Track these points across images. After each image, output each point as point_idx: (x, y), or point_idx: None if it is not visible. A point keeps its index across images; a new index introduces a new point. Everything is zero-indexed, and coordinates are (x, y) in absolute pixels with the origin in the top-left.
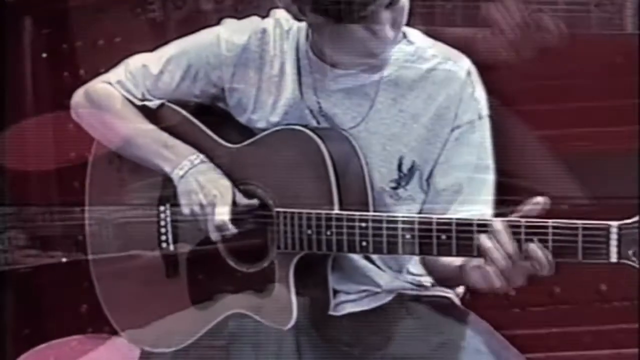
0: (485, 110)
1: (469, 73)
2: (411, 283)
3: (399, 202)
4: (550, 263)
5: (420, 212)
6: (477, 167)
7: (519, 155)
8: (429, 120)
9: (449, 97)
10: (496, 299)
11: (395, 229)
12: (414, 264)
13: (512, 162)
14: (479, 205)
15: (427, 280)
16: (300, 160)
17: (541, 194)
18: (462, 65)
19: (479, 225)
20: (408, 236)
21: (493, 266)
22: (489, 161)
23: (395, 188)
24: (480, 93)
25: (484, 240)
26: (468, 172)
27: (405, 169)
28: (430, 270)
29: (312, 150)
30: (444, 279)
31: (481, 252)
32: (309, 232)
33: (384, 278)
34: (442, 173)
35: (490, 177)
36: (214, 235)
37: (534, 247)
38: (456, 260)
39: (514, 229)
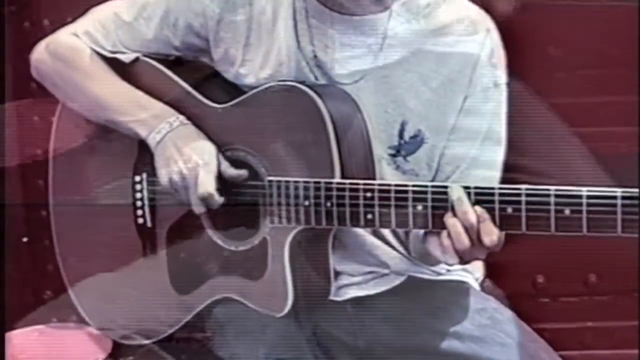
0: (503, 77)
1: (487, 32)
2: (422, 266)
3: (398, 174)
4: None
5: None
6: (488, 136)
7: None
8: (440, 84)
9: (463, 60)
10: (521, 286)
11: (405, 199)
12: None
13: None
14: (481, 171)
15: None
16: (296, 121)
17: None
18: (481, 23)
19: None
20: (420, 207)
21: (449, 240)
22: (502, 133)
23: (393, 155)
24: (499, 57)
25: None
26: (476, 141)
27: (407, 136)
28: (407, 244)
29: (309, 110)
30: (420, 253)
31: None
32: (307, 203)
33: (393, 258)
34: (450, 147)
35: (500, 149)
36: (198, 209)
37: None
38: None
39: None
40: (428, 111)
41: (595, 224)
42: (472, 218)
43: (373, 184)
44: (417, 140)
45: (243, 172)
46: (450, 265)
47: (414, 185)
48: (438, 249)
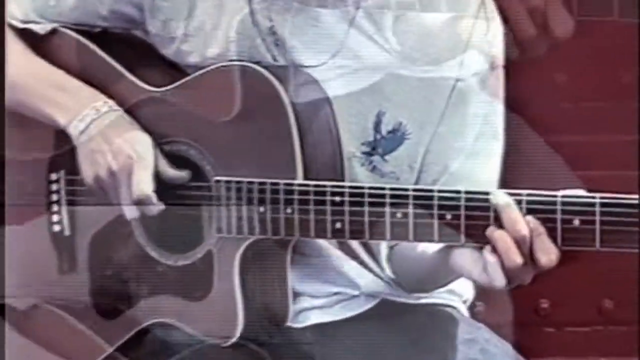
0: (500, 58)
1: (482, 4)
2: (400, 286)
3: (374, 177)
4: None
5: None
6: (482, 131)
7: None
8: (424, 66)
9: (452, 36)
10: (522, 312)
11: (382, 204)
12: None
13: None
14: (478, 178)
15: None
16: (250, 110)
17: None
18: None
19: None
20: (399, 215)
21: (495, 256)
22: (499, 124)
23: (368, 154)
24: (495, 33)
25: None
26: (469, 136)
27: (384, 129)
28: (397, 268)
29: (266, 97)
30: (418, 279)
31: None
32: (261, 209)
33: (365, 277)
34: (437, 143)
35: (498, 145)
36: (130, 213)
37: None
38: (430, 247)
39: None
40: (410, 99)
41: (610, 237)
42: (524, 230)
43: (343, 186)
44: (397, 136)
45: (183, 174)
46: (498, 287)
47: (392, 189)
48: (475, 267)
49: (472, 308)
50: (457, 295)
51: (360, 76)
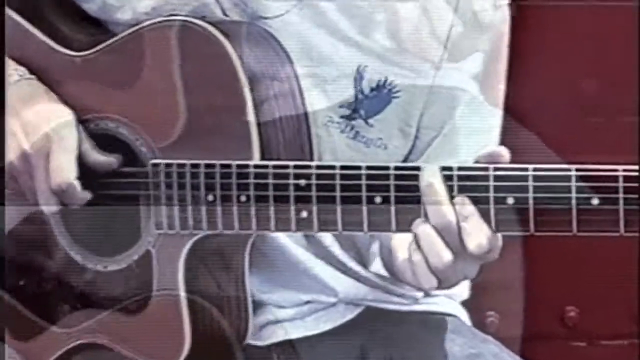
0: None
1: None
2: (389, 290)
3: (358, 146)
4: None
5: None
6: (482, 86)
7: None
8: (412, 9)
9: None
10: (545, 323)
11: (358, 187)
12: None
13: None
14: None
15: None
16: (193, 76)
17: None
18: None
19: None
20: (378, 199)
21: (419, 254)
22: (500, 84)
23: (349, 118)
24: None
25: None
26: (466, 93)
27: (366, 87)
28: (368, 257)
29: (213, 60)
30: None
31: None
32: (210, 197)
33: (343, 280)
34: (432, 102)
35: (497, 111)
36: (48, 207)
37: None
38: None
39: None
40: (396, 49)
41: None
42: (450, 215)
43: (310, 166)
44: (382, 94)
45: (113, 158)
46: (426, 290)
47: (368, 167)
48: (406, 268)
49: (483, 319)
50: (456, 297)
51: (330, 24)
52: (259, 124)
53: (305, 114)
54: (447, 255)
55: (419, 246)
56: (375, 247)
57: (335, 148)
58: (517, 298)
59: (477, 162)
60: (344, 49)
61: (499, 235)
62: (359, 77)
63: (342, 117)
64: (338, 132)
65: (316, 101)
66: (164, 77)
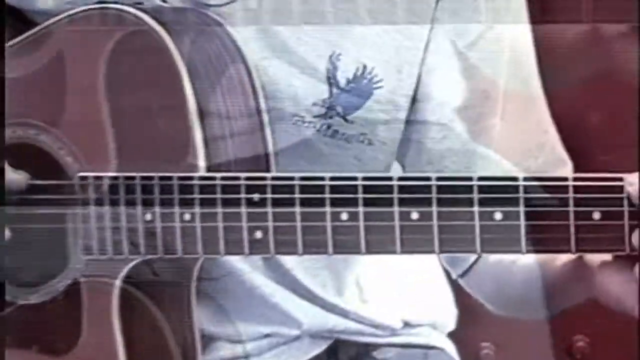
0: None
1: None
2: (361, 321)
3: (339, 144)
4: None
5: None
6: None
7: None
8: None
9: None
10: (551, 355)
11: (321, 202)
12: (368, 281)
13: None
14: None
15: (393, 314)
16: (127, 73)
17: None
18: None
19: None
20: (345, 216)
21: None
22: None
23: (324, 117)
24: None
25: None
26: (470, 87)
27: (342, 77)
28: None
29: (149, 54)
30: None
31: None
32: (149, 217)
33: (308, 309)
34: (425, 89)
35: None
36: None
37: None
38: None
39: None
40: (378, 35)
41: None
42: None
43: (264, 178)
44: (362, 85)
45: (22, 178)
46: None
47: (332, 178)
48: (630, 294)
49: (477, 352)
50: (441, 327)
51: (292, 6)
52: (204, 129)
53: (260, 117)
54: None
55: None
56: (351, 270)
57: (312, 149)
58: (517, 327)
59: None
60: (312, 36)
61: None
62: (331, 67)
63: (316, 116)
64: (313, 132)
65: (279, 99)
66: (91, 74)
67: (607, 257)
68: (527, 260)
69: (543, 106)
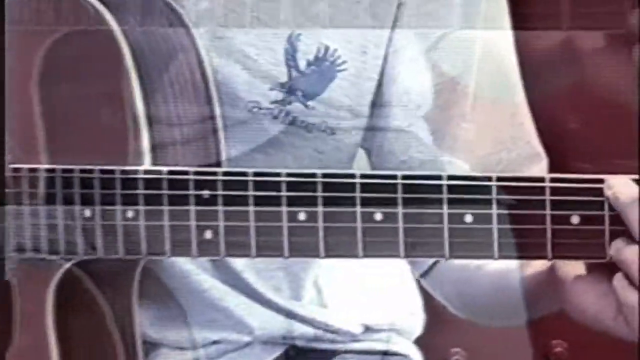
0: None
1: None
2: (318, 326)
3: (300, 133)
4: None
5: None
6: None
7: None
8: None
9: None
10: None
11: (277, 200)
12: (327, 284)
13: None
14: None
15: (354, 319)
16: (65, 59)
17: None
18: None
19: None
20: (302, 216)
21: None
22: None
23: (283, 102)
24: None
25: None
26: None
27: (302, 60)
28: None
29: (91, 38)
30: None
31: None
32: (87, 213)
33: (260, 314)
34: (391, 71)
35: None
36: None
37: None
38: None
39: None
40: (339, 8)
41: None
42: None
43: (215, 173)
44: (324, 67)
45: None
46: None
47: (289, 174)
48: (606, 308)
49: (447, 358)
50: (406, 333)
51: None
52: (149, 118)
53: (210, 104)
54: None
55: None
56: (309, 272)
57: (270, 137)
58: (490, 331)
59: None
60: (263, 13)
61: None
62: (290, 48)
63: (274, 102)
64: (270, 120)
65: (232, 84)
66: (26, 61)
67: (581, 270)
68: (495, 265)
69: (520, 99)
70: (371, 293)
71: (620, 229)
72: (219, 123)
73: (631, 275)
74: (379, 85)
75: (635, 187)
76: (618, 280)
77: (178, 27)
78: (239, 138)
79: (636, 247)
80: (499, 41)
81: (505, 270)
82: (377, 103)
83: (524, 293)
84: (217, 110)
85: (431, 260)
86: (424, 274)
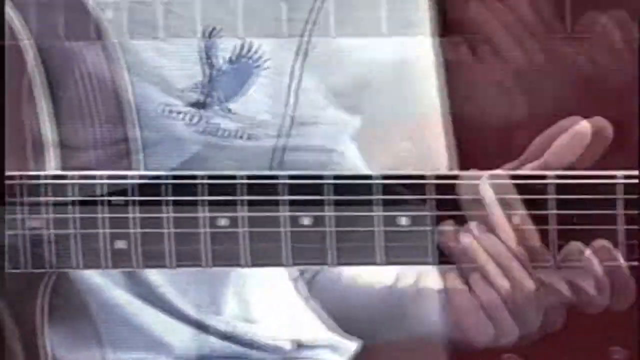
0: None
1: None
2: (245, 344)
3: (216, 142)
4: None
5: None
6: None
7: None
8: None
9: None
10: None
11: (196, 205)
12: (255, 295)
13: None
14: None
15: (284, 334)
16: None
17: None
18: None
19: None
20: (224, 221)
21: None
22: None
23: (200, 105)
24: None
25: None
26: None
27: (222, 58)
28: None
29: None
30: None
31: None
32: None
33: (180, 332)
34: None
35: None
36: None
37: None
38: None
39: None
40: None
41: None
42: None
43: (125, 176)
44: (243, 66)
45: None
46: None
47: (210, 177)
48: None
49: None
50: (342, 350)
51: None
52: (56, 115)
53: (119, 104)
54: (529, 284)
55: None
56: (230, 284)
57: (183, 147)
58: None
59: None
60: (186, 8)
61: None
62: (209, 44)
63: (190, 105)
64: (184, 124)
65: (145, 82)
66: None
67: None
68: (369, 279)
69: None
70: (303, 306)
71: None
72: (134, 145)
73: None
74: (299, 82)
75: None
76: (450, 280)
77: (98, 39)
78: (155, 160)
79: (495, 237)
80: (414, 48)
81: (376, 283)
82: (300, 102)
83: (397, 307)
84: (133, 132)
85: (314, 268)
86: (308, 283)
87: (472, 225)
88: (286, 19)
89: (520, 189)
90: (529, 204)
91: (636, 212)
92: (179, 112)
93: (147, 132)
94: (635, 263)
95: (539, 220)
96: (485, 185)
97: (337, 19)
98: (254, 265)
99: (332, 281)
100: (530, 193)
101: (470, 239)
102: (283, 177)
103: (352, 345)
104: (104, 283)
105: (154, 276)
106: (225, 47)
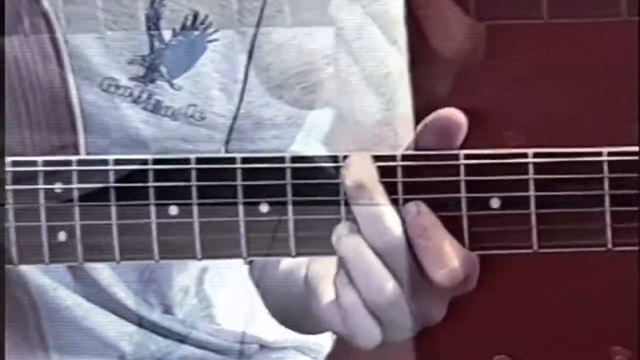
0: None
1: None
2: (204, 345)
3: (161, 122)
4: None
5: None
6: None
7: None
8: None
9: None
10: None
11: (145, 193)
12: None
13: None
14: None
15: (247, 335)
16: None
17: None
18: None
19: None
20: (174, 211)
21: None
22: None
23: (144, 79)
24: None
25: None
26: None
27: (166, 31)
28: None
29: None
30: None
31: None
32: None
33: (132, 334)
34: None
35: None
36: None
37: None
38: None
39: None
40: None
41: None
42: (395, 228)
43: (69, 162)
44: (191, 38)
45: None
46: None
47: (156, 161)
48: (334, 314)
49: None
50: (311, 351)
51: None
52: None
53: (63, 80)
54: (390, 287)
55: (349, 277)
56: (182, 280)
57: (128, 127)
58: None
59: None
60: None
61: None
62: (153, 15)
63: (132, 79)
64: (129, 102)
65: (83, 56)
66: None
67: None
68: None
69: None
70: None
71: None
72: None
73: (350, 271)
74: (250, 58)
75: (368, 171)
76: (339, 277)
77: (43, 32)
78: (96, 141)
79: (358, 238)
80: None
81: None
82: (251, 80)
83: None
84: (81, 139)
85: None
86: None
87: (343, 224)
88: None
89: (500, 169)
90: (509, 186)
91: (624, 191)
92: (122, 86)
93: (88, 109)
94: (627, 248)
95: (520, 204)
96: (352, 169)
97: None
98: (207, 257)
99: (273, 269)
100: (510, 174)
101: (335, 237)
102: (238, 160)
103: (324, 346)
104: (48, 283)
105: (103, 274)
106: (171, 16)
